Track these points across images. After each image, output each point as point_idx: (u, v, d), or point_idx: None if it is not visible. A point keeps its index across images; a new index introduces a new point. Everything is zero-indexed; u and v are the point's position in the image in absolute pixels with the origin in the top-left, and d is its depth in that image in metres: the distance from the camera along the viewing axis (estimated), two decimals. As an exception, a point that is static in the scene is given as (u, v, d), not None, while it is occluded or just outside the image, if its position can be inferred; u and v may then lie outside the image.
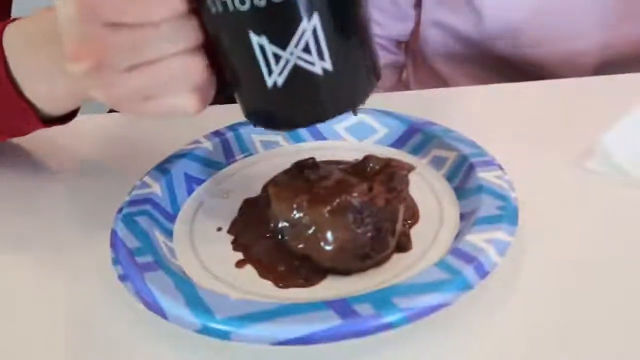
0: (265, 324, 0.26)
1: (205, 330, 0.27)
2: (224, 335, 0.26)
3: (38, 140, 0.47)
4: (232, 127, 0.46)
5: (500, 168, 0.37)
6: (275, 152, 0.46)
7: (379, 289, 0.28)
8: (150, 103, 0.29)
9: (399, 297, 0.27)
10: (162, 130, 0.51)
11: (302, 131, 0.47)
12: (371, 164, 0.34)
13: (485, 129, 0.46)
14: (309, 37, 0.26)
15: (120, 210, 0.37)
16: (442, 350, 0.28)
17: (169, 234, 0.37)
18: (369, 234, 0.30)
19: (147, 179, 0.40)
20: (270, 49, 0.26)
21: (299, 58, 0.27)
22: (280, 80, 0.27)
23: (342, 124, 0.47)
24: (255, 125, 0.32)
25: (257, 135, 0.46)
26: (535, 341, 0.28)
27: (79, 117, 0.50)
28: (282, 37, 0.26)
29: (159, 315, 0.28)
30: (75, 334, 0.31)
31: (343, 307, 0.27)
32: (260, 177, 0.43)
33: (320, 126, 0.47)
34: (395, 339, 0.28)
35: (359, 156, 0.43)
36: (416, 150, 0.43)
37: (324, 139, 0.47)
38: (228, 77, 0.30)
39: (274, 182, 0.34)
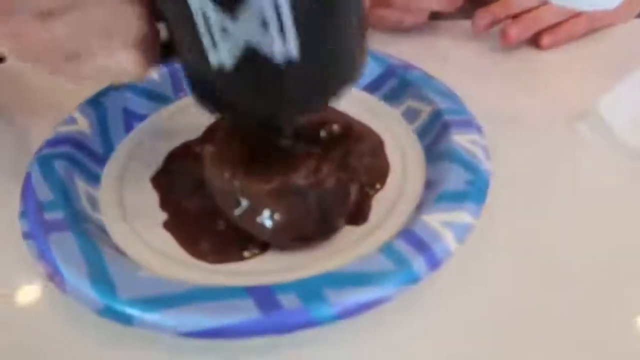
0: (172, 310, 0.23)
1: (107, 312, 0.23)
2: (126, 320, 0.23)
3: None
4: (184, 55, 0.40)
5: (479, 131, 0.32)
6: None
7: (309, 276, 0.24)
8: (76, 63, 0.24)
9: (331, 288, 0.23)
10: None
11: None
12: (328, 127, 0.29)
13: (470, 75, 0.41)
14: (268, 7, 0.19)
15: (39, 150, 0.32)
16: (374, 350, 0.25)
17: (94, 180, 0.32)
18: (313, 218, 0.26)
19: (75, 113, 0.35)
20: (216, 17, 0.20)
21: (253, 35, 0.20)
22: (227, 61, 0.21)
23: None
24: (203, 107, 0.26)
25: (212, 66, 0.41)
26: (483, 344, 0.25)
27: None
28: (231, 2, 0.20)
29: (58, 289, 0.25)
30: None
31: (265, 296, 0.23)
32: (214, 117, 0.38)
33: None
34: (322, 336, 0.24)
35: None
36: (390, 98, 0.38)
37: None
38: (173, 41, 0.24)
39: (209, 137, 0.29)
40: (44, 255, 0.26)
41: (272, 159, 0.27)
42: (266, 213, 0.27)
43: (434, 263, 0.25)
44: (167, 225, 0.29)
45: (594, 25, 0.43)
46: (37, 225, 0.27)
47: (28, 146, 0.35)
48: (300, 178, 0.26)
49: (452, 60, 0.43)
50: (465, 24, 0.45)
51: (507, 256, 0.28)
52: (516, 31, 0.42)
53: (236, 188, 0.27)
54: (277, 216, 0.26)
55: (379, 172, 0.32)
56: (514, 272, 0.28)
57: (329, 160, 0.27)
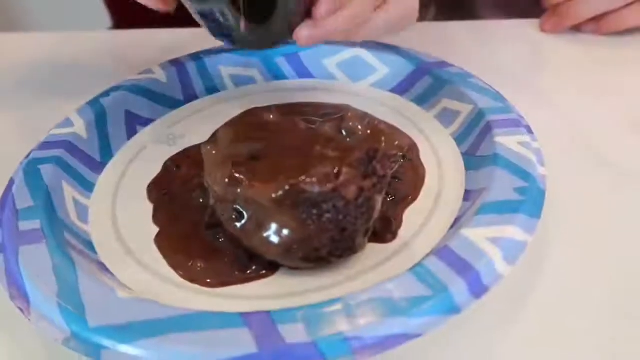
0: (151, 340, 0.18)
1: (73, 341, 0.19)
2: (94, 351, 0.19)
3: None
4: (195, 56, 0.37)
5: (529, 132, 0.27)
6: (248, 89, 0.37)
7: (319, 302, 0.19)
8: None
9: (347, 317, 0.19)
10: (109, 57, 0.43)
11: (284, 66, 0.37)
12: (350, 125, 0.24)
13: (519, 77, 0.36)
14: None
15: (29, 154, 0.29)
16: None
17: (87, 188, 0.29)
18: (329, 235, 0.22)
19: (72, 115, 0.32)
20: None
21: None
22: None
23: (333, 58, 0.37)
24: None
25: (226, 68, 0.37)
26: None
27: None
28: None
29: (21, 311, 0.21)
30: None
31: (264, 325, 0.19)
32: (224, 121, 0.34)
33: (307, 61, 0.37)
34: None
35: (350, 101, 0.34)
36: (423, 99, 0.33)
37: (311, 77, 0.37)
38: None
39: (212, 139, 0.25)
40: (9, 271, 0.22)
41: (282, 162, 0.23)
42: (273, 227, 0.22)
43: (478, 288, 0.20)
44: (157, 241, 0.25)
45: None
46: (8, 236, 0.23)
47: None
48: (313, 184, 0.21)
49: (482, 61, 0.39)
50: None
51: (567, 282, 0.23)
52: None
53: (238, 195, 0.22)
54: (285, 231, 0.22)
55: (411, 181, 0.27)
56: (577, 302, 0.22)
57: (349, 164, 0.22)
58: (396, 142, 0.28)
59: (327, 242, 0.22)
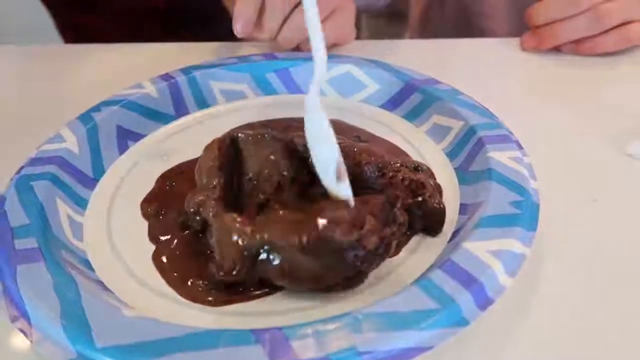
0: (162, 360, 0.18)
1: (80, 361, 0.19)
2: (102, 372, 0.18)
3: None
4: (186, 70, 0.37)
5: (519, 147, 0.28)
6: (239, 105, 0.37)
7: (330, 317, 0.19)
8: None
9: (357, 332, 0.19)
10: (101, 70, 0.42)
11: (275, 82, 0.38)
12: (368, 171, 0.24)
13: (503, 94, 0.37)
14: None
15: (19, 170, 0.28)
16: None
17: (81, 204, 0.28)
18: (344, 275, 0.22)
19: (63, 130, 0.31)
20: None
21: None
22: None
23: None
24: None
25: (217, 83, 0.37)
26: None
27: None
28: None
29: (23, 333, 0.20)
30: None
31: (277, 342, 0.19)
32: (215, 136, 0.34)
33: (297, 77, 0.38)
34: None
35: (341, 116, 0.35)
36: (413, 115, 0.34)
37: (300, 92, 0.38)
38: None
39: (213, 185, 0.25)
40: (8, 291, 0.21)
41: (297, 205, 0.23)
42: (291, 266, 0.21)
43: (483, 300, 0.20)
44: (155, 259, 0.25)
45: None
46: (4, 256, 0.23)
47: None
48: (339, 234, 0.21)
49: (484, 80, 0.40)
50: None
51: (564, 292, 0.24)
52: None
53: (257, 241, 0.22)
54: (304, 272, 0.22)
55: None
56: (575, 311, 0.23)
57: (372, 213, 0.21)
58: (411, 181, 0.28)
59: (341, 281, 0.22)
